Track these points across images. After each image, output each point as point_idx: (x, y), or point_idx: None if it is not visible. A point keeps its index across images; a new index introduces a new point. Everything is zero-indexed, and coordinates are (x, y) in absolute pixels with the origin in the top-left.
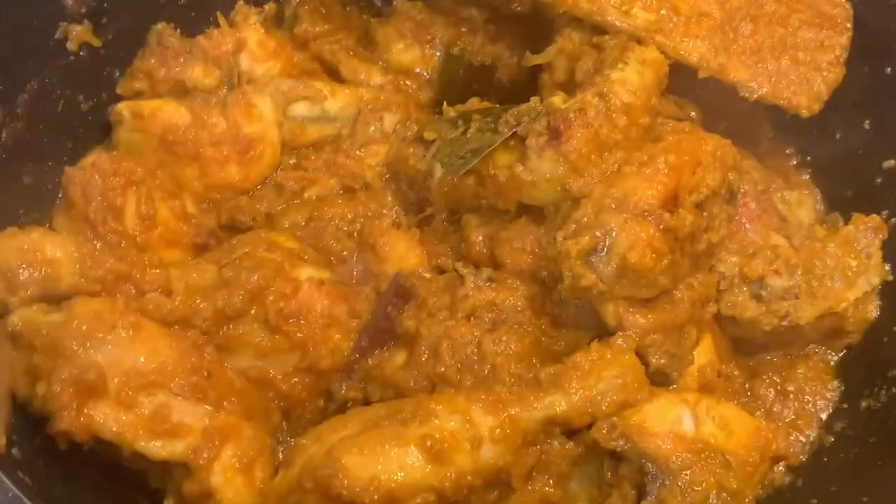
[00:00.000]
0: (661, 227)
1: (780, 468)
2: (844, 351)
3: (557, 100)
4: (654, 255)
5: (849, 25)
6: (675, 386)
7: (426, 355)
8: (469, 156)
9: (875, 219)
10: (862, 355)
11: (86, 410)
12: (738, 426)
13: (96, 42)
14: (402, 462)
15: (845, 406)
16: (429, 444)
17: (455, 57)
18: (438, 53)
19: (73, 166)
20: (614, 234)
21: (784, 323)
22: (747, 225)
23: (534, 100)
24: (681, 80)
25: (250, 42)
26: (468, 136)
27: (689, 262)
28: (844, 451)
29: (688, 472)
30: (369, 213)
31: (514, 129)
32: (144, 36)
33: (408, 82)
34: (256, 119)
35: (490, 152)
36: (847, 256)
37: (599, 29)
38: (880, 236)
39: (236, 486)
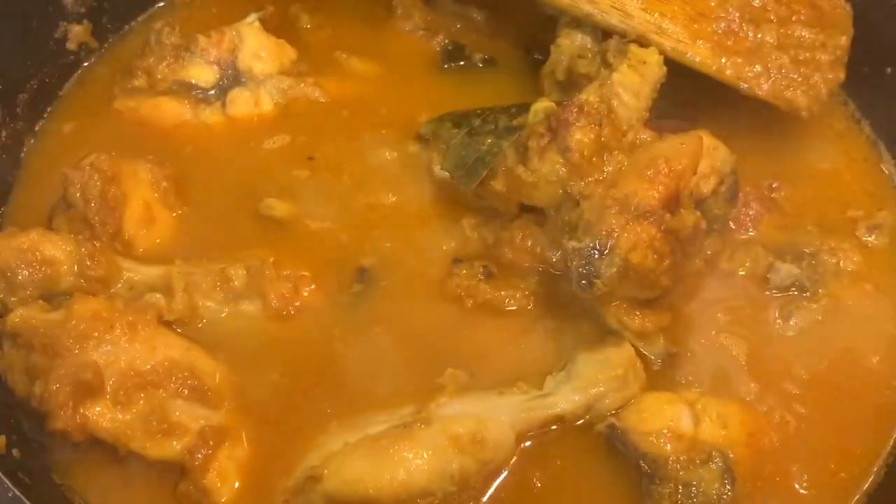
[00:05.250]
0: (662, 227)
1: None
2: None
3: (558, 101)
4: (655, 257)
5: (849, 26)
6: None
7: None
8: (478, 166)
9: (877, 216)
10: None
11: (82, 410)
12: (739, 424)
13: (96, 42)
14: (409, 465)
15: None
16: (434, 446)
17: (455, 54)
18: (439, 50)
19: (72, 167)
20: (616, 235)
21: (790, 323)
22: (749, 223)
23: (535, 101)
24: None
25: (249, 40)
26: (470, 139)
27: (690, 262)
28: None
29: (686, 471)
30: None
31: (517, 132)
32: (144, 35)
33: None
34: (256, 117)
35: (493, 157)
36: (850, 253)
37: (600, 29)
38: (882, 236)
39: (232, 489)
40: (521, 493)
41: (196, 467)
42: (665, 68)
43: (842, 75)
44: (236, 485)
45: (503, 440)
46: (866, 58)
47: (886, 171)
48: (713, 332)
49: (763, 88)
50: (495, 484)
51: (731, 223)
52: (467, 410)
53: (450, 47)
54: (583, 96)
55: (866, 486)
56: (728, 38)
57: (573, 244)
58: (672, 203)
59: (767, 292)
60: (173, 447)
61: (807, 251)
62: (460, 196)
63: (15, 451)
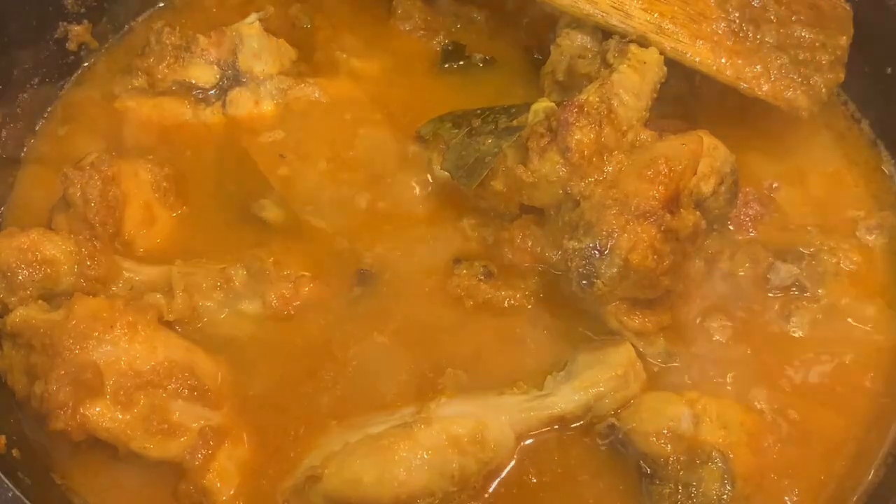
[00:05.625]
0: (662, 228)
1: None
2: None
3: (558, 101)
4: (655, 257)
5: (849, 26)
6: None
7: None
8: (478, 166)
9: (877, 216)
10: None
11: (82, 410)
12: (738, 424)
13: (96, 42)
14: (409, 465)
15: None
16: (434, 446)
17: (455, 54)
18: (439, 50)
19: (72, 167)
20: (616, 235)
21: (789, 323)
22: (749, 223)
23: (535, 101)
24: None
25: (249, 40)
26: (470, 139)
27: (690, 262)
28: None
29: (686, 471)
30: None
31: (517, 132)
32: (144, 35)
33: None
34: (256, 117)
35: (493, 157)
36: (850, 253)
37: (600, 29)
38: (882, 236)
39: (232, 489)
40: (520, 492)
41: (196, 467)
42: (665, 68)
43: (842, 75)
44: (236, 486)
45: (503, 440)
46: (866, 58)
47: (886, 172)
48: (713, 332)
49: (763, 88)
50: (495, 484)
51: (730, 223)
52: (467, 410)
53: (450, 47)
54: (583, 96)
55: (854, 498)
56: (728, 39)
57: (573, 244)
58: (672, 203)
59: (767, 292)
60: (173, 447)
61: (807, 251)
62: (460, 196)
63: (15, 451)
